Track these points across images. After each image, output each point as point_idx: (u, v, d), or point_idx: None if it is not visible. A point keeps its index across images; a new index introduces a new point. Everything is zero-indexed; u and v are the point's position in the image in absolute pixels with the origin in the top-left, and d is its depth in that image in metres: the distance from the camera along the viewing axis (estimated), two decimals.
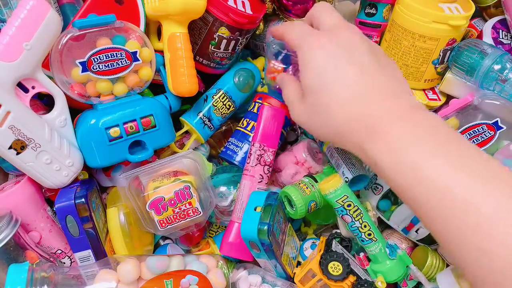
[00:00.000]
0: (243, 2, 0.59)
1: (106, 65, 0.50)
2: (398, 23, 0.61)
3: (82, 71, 0.49)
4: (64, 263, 0.55)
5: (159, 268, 0.49)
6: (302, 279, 0.55)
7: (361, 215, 0.55)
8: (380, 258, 0.56)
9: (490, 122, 0.60)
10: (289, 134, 0.72)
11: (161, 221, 0.53)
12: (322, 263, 0.53)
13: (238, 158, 0.64)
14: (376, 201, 0.61)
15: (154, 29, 0.58)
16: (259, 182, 0.59)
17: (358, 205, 0.55)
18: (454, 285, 0.50)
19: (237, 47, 0.62)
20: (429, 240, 0.60)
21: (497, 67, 0.59)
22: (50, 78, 0.50)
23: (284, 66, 0.52)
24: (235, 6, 0.57)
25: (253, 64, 0.68)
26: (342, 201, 0.54)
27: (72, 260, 0.55)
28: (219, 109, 0.64)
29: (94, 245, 0.52)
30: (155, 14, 0.55)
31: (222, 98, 0.64)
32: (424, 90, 0.67)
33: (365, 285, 0.53)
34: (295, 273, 0.57)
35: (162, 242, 0.63)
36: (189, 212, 0.53)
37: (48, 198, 0.56)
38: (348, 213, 0.55)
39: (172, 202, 0.52)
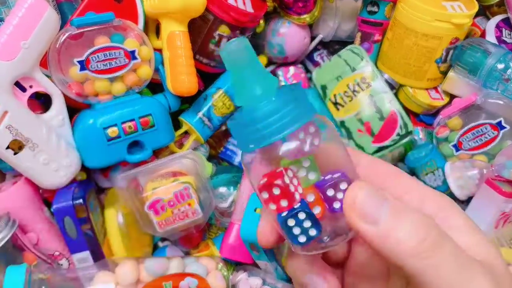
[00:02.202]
0: (243, 0, 0.58)
1: (104, 63, 0.49)
2: (401, 21, 0.61)
3: (80, 70, 0.49)
4: (61, 264, 0.55)
5: (158, 270, 0.48)
6: None
7: None
8: None
9: (494, 122, 0.60)
10: None
11: (160, 222, 0.52)
12: None
13: (238, 158, 0.63)
14: None
15: (153, 27, 0.58)
16: None
17: None
18: None
19: None
20: None
21: (500, 66, 0.59)
22: (48, 77, 0.49)
23: None
24: (235, 4, 0.57)
25: None
26: None
27: (70, 262, 0.55)
28: (219, 109, 0.63)
29: (92, 246, 0.51)
30: (154, 12, 0.54)
31: (222, 98, 0.63)
32: (427, 89, 0.67)
33: None
34: None
35: (161, 244, 0.62)
36: (188, 213, 0.52)
37: (46, 199, 0.55)
38: None
39: (171, 203, 0.51)
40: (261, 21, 0.66)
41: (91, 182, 0.57)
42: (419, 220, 0.20)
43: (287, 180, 0.21)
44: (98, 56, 0.49)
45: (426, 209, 0.22)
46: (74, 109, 0.54)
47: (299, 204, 0.21)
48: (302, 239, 0.22)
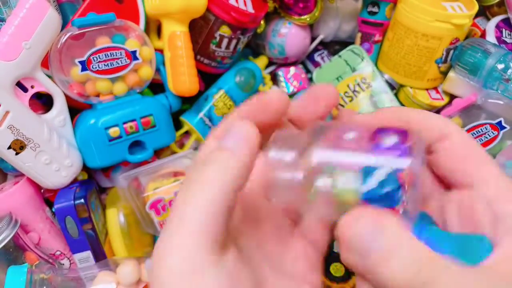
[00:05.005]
0: (244, 1, 0.58)
1: (106, 64, 0.49)
2: (401, 21, 0.61)
3: (82, 70, 0.49)
4: (63, 264, 0.55)
5: None
6: None
7: None
8: None
9: (494, 122, 0.60)
10: None
11: (161, 222, 0.52)
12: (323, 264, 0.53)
13: None
14: None
15: (154, 27, 0.58)
16: None
17: None
18: None
19: (238, 46, 0.62)
20: None
21: (500, 66, 0.59)
22: (49, 77, 0.49)
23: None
24: (236, 5, 0.57)
25: (254, 63, 0.67)
26: None
27: (71, 262, 0.55)
28: (219, 109, 0.63)
29: (94, 246, 0.51)
30: (155, 12, 0.54)
31: (223, 98, 0.63)
32: (427, 89, 0.67)
33: None
34: None
35: None
36: None
37: (47, 199, 0.56)
38: None
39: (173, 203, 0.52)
40: (262, 22, 0.66)
41: (92, 182, 0.57)
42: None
43: None
44: (99, 56, 0.49)
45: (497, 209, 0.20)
46: (75, 109, 0.54)
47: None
48: None
